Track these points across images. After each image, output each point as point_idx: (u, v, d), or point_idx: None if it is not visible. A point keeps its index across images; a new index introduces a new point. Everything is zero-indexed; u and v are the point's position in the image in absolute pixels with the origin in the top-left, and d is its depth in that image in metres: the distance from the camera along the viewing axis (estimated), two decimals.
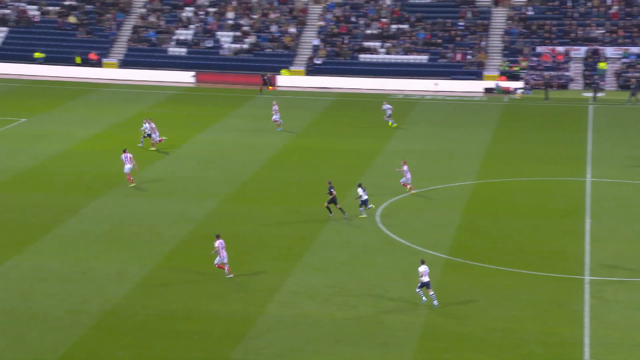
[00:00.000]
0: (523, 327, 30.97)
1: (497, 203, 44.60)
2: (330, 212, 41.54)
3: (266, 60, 76.99)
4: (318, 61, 76.44)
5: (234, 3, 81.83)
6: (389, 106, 59.26)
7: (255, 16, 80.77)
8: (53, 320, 30.81)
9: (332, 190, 41.39)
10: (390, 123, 59.08)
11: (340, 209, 41.62)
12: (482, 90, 72.50)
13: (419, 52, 76.47)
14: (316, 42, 78.03)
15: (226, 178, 47.84)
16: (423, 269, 32.23)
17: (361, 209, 41.80)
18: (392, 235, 39.88)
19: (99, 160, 50.67)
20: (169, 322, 31.02)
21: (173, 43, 78.65)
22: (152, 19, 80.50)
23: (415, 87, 73.07)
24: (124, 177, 46.72)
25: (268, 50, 77.81)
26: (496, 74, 73.72)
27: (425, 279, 32.15)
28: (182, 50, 78.02)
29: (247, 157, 52.17)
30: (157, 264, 36.02)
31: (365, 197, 41.53)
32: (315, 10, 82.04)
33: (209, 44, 78.45)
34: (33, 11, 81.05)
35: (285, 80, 74.37)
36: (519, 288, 34.15)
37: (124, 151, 45.97)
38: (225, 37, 79.07)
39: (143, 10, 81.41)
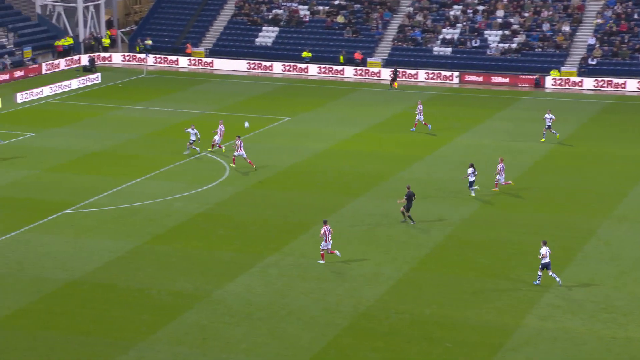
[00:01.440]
0: None
1: None
2: (405, 218, 41.00)
3: (535, 60, 75.41)
4: (592, 61, 73.76)
5: (505, 1, 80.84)
6: (551, 116, 54.58)
7: (526, 14, 79.34)
8: (308, 318, 31.94)
9: (407, 197, 40.56)
10: (555, 134, 54.82)
11: (405, 214, 40.84)
12: None
13: None
14: (592, 41, 75.33)
15: (486, 182, 47.35)
16: (545, 250, 33.79)
17: (471, 188, 44.39)
18: None
19: (358, 160, 51.91)
20: (421, 328, 31.23)
21: (438, 42, 79.04)
22: (418, 17, 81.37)
23: None
24: (382, 178, 47.69)
25: (537, 50, 76.16)
26: None
27: (546, 260, 33.78)
28: (447, 50, 78.21)
29: (509, 161, 51.33)
30: (411, 267, 36.36)
31: (473, 178, 43.94)
32: (593, 7, 79.21)
33: (476, 43, 78.07)
34: (304, 11, 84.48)
35: (554, 81, 72.49)
36: None
37: (237, 137, 48.91)
38: (493, 36, 78.31)
39: (410, 9, 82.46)
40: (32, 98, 66.64)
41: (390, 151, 53.78)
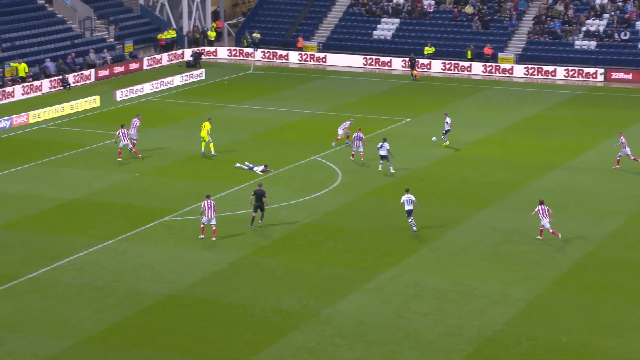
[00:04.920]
0: None
1: None
2: (251, 224, 41.94)
3: None
4: None
5: None
6: (448, 120, 53.39)
7: None
8: (427, 342, 31.80)
9: (256, 194, 41.64)
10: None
11: (254, 216, 41.71)
12: None
13: None
14: None
15: (634, 194, 46.25)
16: (405, 197, 40.38)
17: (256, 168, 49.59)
18: None
19: (487, 166, 51.43)
20: (557, 357, 30.73)
21: (581, 35, 77.64)
22: (559, 7, 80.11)
23: None
24: (513, 188, 47.10)
25: None
26: None
27: (409, 207, 40.33)
28: (591, 44, 76.75)
29: None
30: (545, 288, 35.79)
31: (256, 167, 49.36)
32: None
33: (625, 35, 76.35)
34: (428, 0, 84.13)
35: None
36: None
37: (122, 126, 51.33)
38: None
39: None
40: (132, 96, 68.48)
41: (522, 158, 53.08)
